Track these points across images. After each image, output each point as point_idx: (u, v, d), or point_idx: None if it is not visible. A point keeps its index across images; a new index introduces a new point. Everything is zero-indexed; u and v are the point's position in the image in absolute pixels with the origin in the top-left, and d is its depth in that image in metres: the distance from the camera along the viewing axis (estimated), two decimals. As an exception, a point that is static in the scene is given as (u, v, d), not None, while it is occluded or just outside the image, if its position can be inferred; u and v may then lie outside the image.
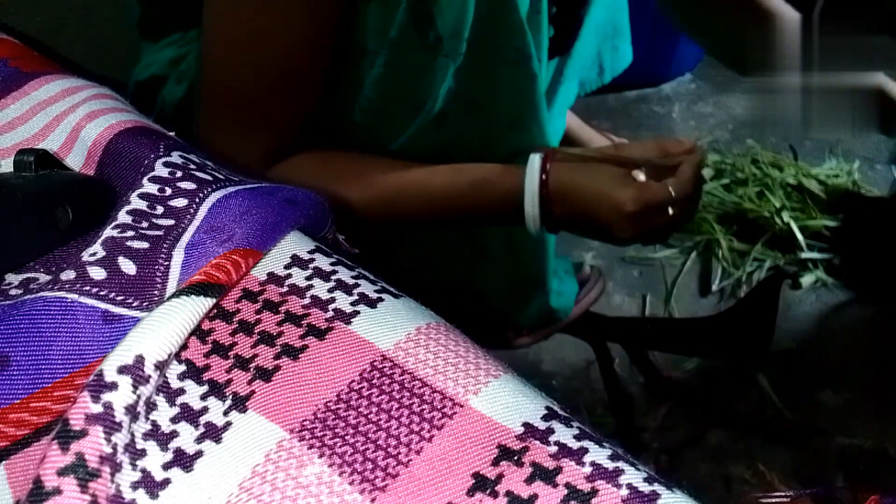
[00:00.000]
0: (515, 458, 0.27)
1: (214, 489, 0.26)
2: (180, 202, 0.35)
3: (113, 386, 0.26)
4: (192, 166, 0.38)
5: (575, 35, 0.82)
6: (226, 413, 0.28)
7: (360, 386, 0.29)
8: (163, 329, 0.28)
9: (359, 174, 0.61)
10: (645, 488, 0.26)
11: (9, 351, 0.29)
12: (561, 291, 0.91)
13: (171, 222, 0.34)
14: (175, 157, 0.38)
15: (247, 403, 0.28)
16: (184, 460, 0.27)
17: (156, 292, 0.32)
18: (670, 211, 0.59)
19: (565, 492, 0.26)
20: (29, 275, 0.33)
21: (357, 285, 0.33)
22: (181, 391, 0.29)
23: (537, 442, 0.27)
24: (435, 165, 0.61)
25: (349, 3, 0.54)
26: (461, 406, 0.28)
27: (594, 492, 0.25)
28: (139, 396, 0.27)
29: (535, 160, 0.60)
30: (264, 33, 0.52)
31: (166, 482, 0.26)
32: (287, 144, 0.59)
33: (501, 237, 0.75)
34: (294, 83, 0.56)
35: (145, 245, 0.33)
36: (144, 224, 0.34)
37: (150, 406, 0.28)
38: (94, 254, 0.32)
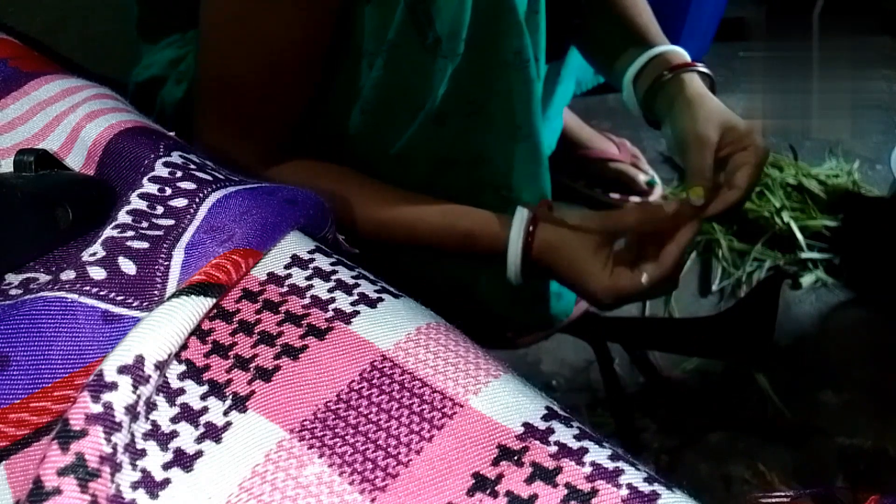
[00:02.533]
0: (515, 458, 0.27)
1: (214, 489, 0.26)
2: (180, 202, 0.35)
3: (113, 386, 0.26)
4: (192, 166, 0.38)
5: (570, 42, 0.82)
6: (226, 413, 0.28)
7: (360, 386, 0.29)
8: (163, 329, 0.28)
9: (352, 198, 0.61)
10: (645, 488, 0.26)
11: (9, 351, 0.29)
12: (561, 294, 0.91)
13: (171, 222, 0.34)
14: (175, 157, 0.38)
15: (247, 403, 0.28)
16: (184, 460, 0.27)
17: (156, 292, 0.32)
18: (644, 280, 0.60)
19: (565, 492, 0.26)
20: (29, 275, 0.33)
21: (357, 285, 0.33)
22: (181, 391, 0.29)
23: (537, 442, 0.27)
24: (426, 206, 0.63)
25: (344, 3, 0.54)
26: (461, 406, 0.28)
27: (594, 492, 0.25)
28: (139, 396, 0.27)
29: (522, 218, 0.61)
30: (257, 31, 0.52)
31: (166, 482, 0.26)
32: (280, 143, 0.59)
33: None
34: (285, 81, 0.56)
35: (145, 245, 0.33)
36: (144, 224, 0.34)
37: (150, 406, 0.28)
38: (94, 254, 0.32)
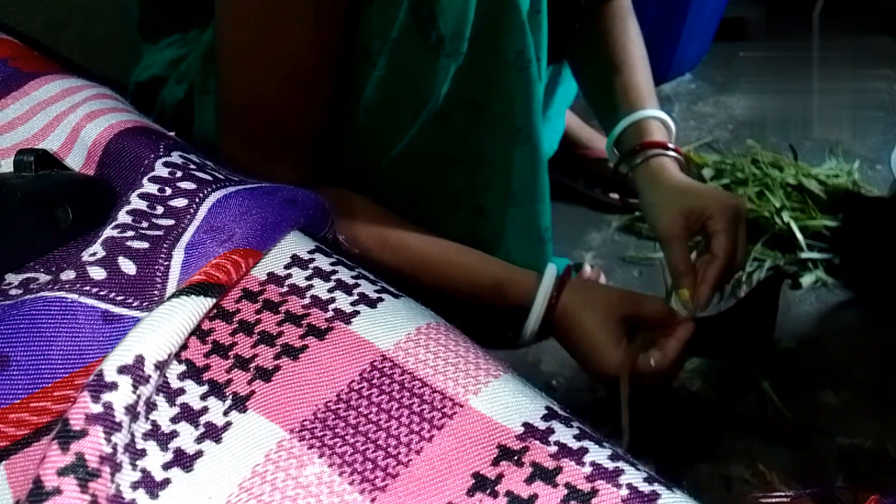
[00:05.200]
0: (515, 458, 0.27)
1: (214, 489, 0.26)
2: (180, 202, 0.35)
3: (113, 386, 0.26)
4: (192, 166, 0.38)
5: (570, 44, 0.82)
6: (226, 413, 0.28)
7: (360, 386, 0.29)
8: (163, 329, 0.28)
9: (388, 237, 0.63)
10: (645, 488, 0.26)
11: (9, 351, 0.29)
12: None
13: (171, 222, 0.34)
14: (175, 157, 0.38)
15: (247, 403, 0.28)
16: (184, 460, 0.27)
17: (156, 292, 0.32)
18: (651, 363, 0.64)
19: (565, 492, 0.26)
20: (29, 275, 0.33)
21: (357, 285, 0.33)
22: (181, 391, 0.29)
23: (537, 442, 0.27)
24: (461, 254, 0.66)
25: (352, 6, 0.54)
26: (461, 406, 0.28)
27: (594, 492, 0.25)
28: (139, 396, 0.27)
29: (549, 279, 0.64)
30: (275, 43, 0.52)
31: (166, 482, 0.26)
32: (311, 154, 0.60)
33: (499, 253, 0.76)
34: (307, 90, 0.56)
35: (145, 245, 0.33)
36: (144, 224, 0.34)
37: (150, 406, 0.28)
38: (94, 254, 0.32)
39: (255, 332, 0.31)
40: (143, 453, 0.27)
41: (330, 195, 0.59)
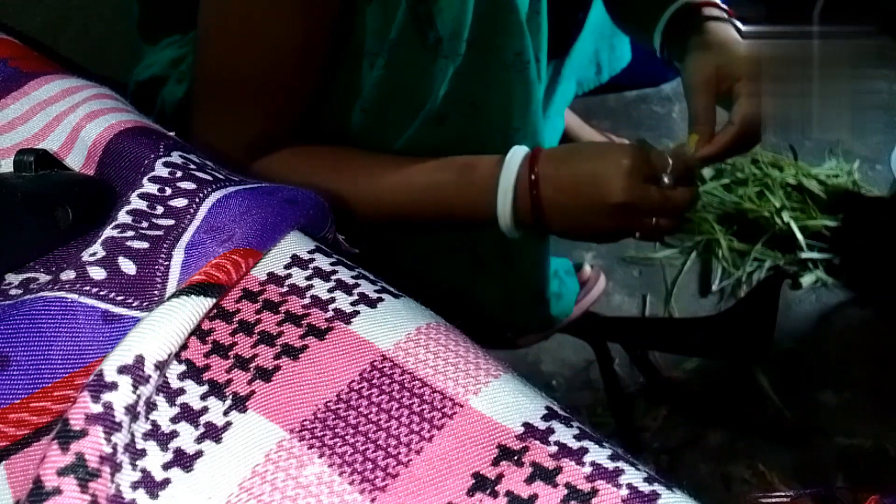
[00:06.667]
0: (515, 458, 0.27)
1: (214, 489, 0.26)
2: (180, 202, 0.35)
3: (113, 386, 0.26)
4: (192, 166, 0.38)
5: (574, 38, 0.82)
6: (226, 413, 0.28)
7: (360, 386, 0.29)
8: (163, 329, 0.28)
9: (342, 169, 0.60)
10: (645, 488, 0.26)
11: (9, 351, 0.29)
12: (560, 294, 0.90)
13: (171, 222, 0.34)
14: (175, 157, 0.38)
15: (247, 403, 0.28)
16: (184, 460, 0.27)
17: (156, 292, 0.32)
18: (666, 179, 0.57)
19: (565, 492, 0.26)
20: (29, 275, 0.33)
21: (357, 285, 0.33)
22: (181, 391, 0.29)
23: (537, 442, 0.27)
24: (420, 158, 0.61)
25: (346, 4, 0.54)
26: (461, 406, 0.28)
27: (594, 492, 0.25)
28: (139, 396, 0.27)
29: (517, 152, 0.58)
30: (256, 25, 0.52)
31: (166, 482, 0.26)
32: (273, 139, 0.59)
33: (498, 251, 0.76)
34: (283, 78, 0.55)
35: (145, 245, 0.33)
36: (144, 224, 0.34)
37: (150, 406, 0.28)
38: (94, 254, 0.32)
39: (255, 331, 0.31)
40: (143, 453, 0.27)
41: (280, 157, 0.58)
